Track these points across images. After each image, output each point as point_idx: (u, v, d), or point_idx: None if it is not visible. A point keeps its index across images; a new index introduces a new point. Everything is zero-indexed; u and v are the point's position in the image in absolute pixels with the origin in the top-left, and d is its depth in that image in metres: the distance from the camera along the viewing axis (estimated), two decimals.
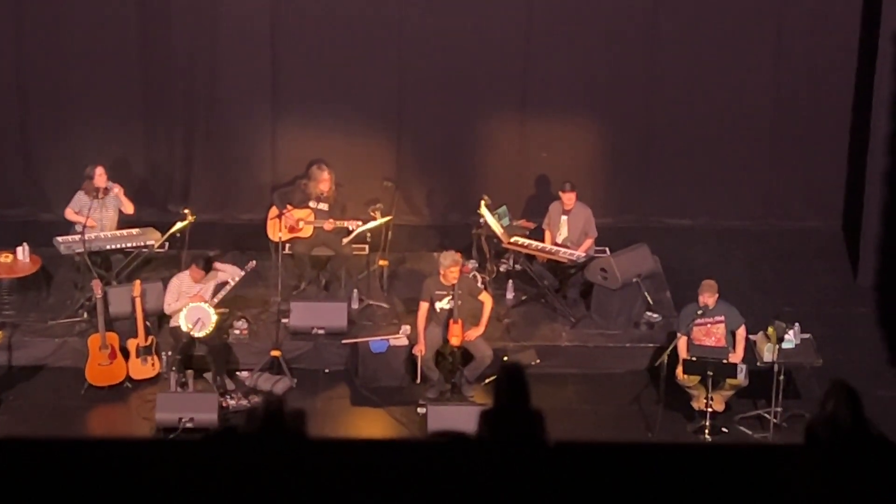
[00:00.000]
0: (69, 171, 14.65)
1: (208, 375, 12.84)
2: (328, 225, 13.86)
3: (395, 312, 13.71)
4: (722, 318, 12.37)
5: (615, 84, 15.28)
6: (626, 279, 13.39)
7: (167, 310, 12.98)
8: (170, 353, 12.84)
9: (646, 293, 13.51)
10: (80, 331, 13.16)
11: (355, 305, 13.68)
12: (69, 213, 13.74)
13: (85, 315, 13.28)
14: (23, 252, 13.70)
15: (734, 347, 12.38)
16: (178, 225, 13.59)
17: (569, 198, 13.90)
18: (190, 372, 12.75)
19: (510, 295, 13.98)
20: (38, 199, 15.42)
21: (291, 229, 13.91)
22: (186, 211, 13.70)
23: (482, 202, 14.02)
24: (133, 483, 5.00)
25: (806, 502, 5.14)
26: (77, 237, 13.43)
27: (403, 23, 15.08)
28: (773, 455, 5.36)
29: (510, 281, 14.05)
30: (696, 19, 15.12)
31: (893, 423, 6.40)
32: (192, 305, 12.71)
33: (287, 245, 13.86)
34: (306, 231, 13.99)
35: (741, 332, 12.39)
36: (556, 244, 13.90)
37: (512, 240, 13.94)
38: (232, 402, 12.51)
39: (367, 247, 14.33)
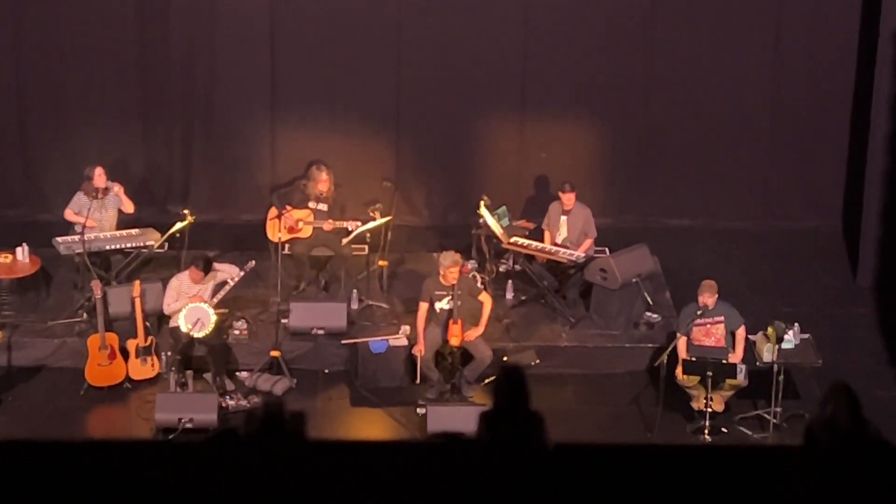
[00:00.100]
0: (68, 171, 14.65)
1: (208, 376, 12.84)
2: (327, 225, 13.87)
3: (395, 313, 13.71)
4: (721, 318, 12.37)
5: (614, 84, 15.29)
6: (625, 279, 13.39)
7: (166, 310, 12.98)
8: (169, 353, 12.84)
9: (645, 293, 13.51)
10: (80, 331, 13.16)
11: (355, 306, 13.67)
12: (68, 214, 13.74)
13: (84, 315, 13.28)
14: (22, 252, 13.70)
15: (734, 348, 12.38)
16: (178, 225, 13.59)
17: (568, 198, 13.90)
18: (189, 372, 12.75)
19: (510, 295, 13.98)
20: (38, 200, 15.42)
21: (291, 230, 13.91)
22: (186, 211, 13.70)
23: (482, 202, 14.02)
24: (133, 485, 5.00)
25: None
26: (76, 237, 13.42)
27: (403, 23, 15.08)
28: (773, 457, 5.37)
29: (510, 281, 14.06)
30: (695, 20, 15.12)
31: (893, 424, 6.40)
32: (192, 306, 12.71)
33: (286, 245, 13.86)
34: (306, 231, 13.99)
35: (741, 333, 12.39)
36: (556, 244, 13.90)
37: (511, 240, 13.94)
38: (231, 403, 12.50)
39: (366, 247, 14.34)
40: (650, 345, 13.24)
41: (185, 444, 9.48)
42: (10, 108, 15.26)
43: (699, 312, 12.33)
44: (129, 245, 13.65)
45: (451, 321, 12.56)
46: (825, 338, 12.87)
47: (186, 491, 5.02)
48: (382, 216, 13.96)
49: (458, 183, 15.53)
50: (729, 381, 12.23)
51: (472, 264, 14.09)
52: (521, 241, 13.96)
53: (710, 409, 12.10)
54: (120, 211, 13.83)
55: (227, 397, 12.56)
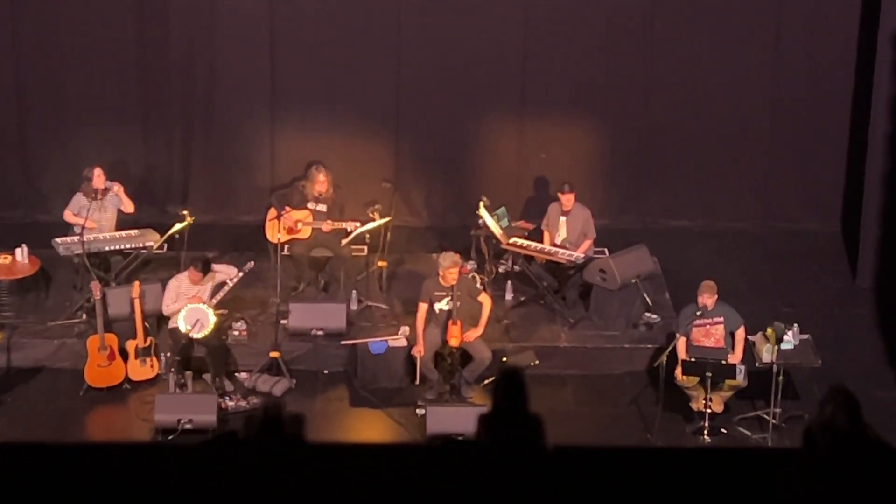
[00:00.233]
0: (68, 172, 14.65)
1: (207, 377, 12.83)
2: (326, 226, 13.86)
3: (394, 313, 13.71)
4: (721, 318, 12.37)
5: (614, 85, 15.28)
6: (624, 280, 13.39)
7: (166, 311, 12.97)
8: (169, 354, 12.84)
9: (645, 294, 13.50)
10: (79, 332, 13.15)
11: (354, 306, 13.67)
12: (67, 216, 13.73)
13: (84, 316, 13.27)
14: (22, 253, 13.69)
15: (733, 348, 12.38)
16: (177, 226, 13.59)
17: (567, 199, 13.90)
18: (189, 373, 12.74)
19: (509, 296, 13.98)
20: (37, 201, 15.42)
21: (290, 230, 13.90)
22: (185, 212, 13.69)
23: (481, 203, 14.02)
24: (132, 487, 5.00)
25: None
26: (76, 238, 13.42)
27: (402, 24, 15.07)
28: (772, 458, 5.37)
29: (509, 282, 14.05)
30: (695, 20, 15.12)
31: (892, 424, 6.41)
32: (191, 307, 12.71)
33: (286, 246, 13.85)
34: (305, 232, 13.98)
35: (740, 333, 12.39)
36: (555, 245, 13.90)
37: (511, 241, 13.94)
38: (231, 404, 12.50)
39: (365, 248, 14.34)
40: (649, 345, 13.24)
41: (184, 445, 9.48)
42: (9, 109, 15.25)
43: (699, 313, 12.33)
44: (128, 246, 13.65)
45: (450, 322, 12.55)
46: (824, 338, 12.87)
47: (186, 492, 5.02)
48: (382, 217, 13.95)
49: (457, 184, 15.52)
50: (728, 382, 12.23)
51: (471, 265, 14.08)
52: (520, 241, 13.96)
53: (709, 410, 12.10)
54: (119, 211, 13.83)
55: (227, 398, 12.56)
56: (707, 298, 12.31)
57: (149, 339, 12.84)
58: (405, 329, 13.13)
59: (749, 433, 12.25)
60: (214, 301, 12.84)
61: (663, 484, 5.11)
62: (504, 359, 12.90)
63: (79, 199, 13.70)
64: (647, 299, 13.50)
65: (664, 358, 12.12)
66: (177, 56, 15.16)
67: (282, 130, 15.37)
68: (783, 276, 14.78)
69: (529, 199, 15.39)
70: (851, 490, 5.11)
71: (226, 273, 13.05)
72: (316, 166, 14.12)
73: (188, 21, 15.05)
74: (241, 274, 13.01)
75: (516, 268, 14.17)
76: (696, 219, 15.70)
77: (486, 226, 14.02)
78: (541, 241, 13.99)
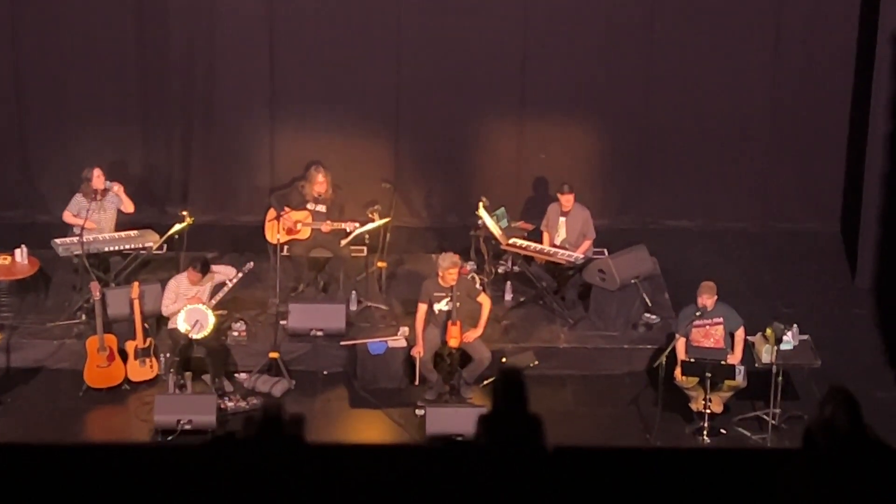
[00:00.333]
0: (67, 172, 14.65)
1: (207, 377, 12.83)
2: (326, 227, 13.86)
3: (394, 314, 13.71)
4: (720, 319, 12.37)
5: (613, 85, 15.29)
6: (624, 280, 13.39)
7: (165, 312, 12.97)
8: (168, 354, 12.84)
9: (644, 294, 13.50)
10: (79, 333, 13.15)
11: (354, 307, 13.67)
12: (67, 216, 13.72)
13: (83, 317, 13.27)
14: (21, 254, 13.69)
15: (733, 349, 12.38)
16: (177, 227, 13.59)
17: (567, 199, 13.90)
18: (188, 374, 12.74)
19: (508, 296, 13.98)
20: (36, 201, 15.42)
21: (289, 231, 13.90)
22: (185, 213, 13.69)
23: (480, 204, 14.02)
24: (132, 488, 5.00)
25: None
26: (75, 239, 13.42)
27: (402, 24, 15.07)
28: (772, 460, 5.37)
29: (508, 282, 14.05)
30: (695, 20, 15.12)
31: (892, 424, 6.41)
32: (191, 307, 12.71)
33: (285, 247, 13.84)
34: (304, 233, 13.98)
35: (740, 334, 12.39)
36: (555, 246, 13.90)
37: (510, 241, 13.94)
38: (230, 404, 12.50)
39: (365, 248, 14.34)
40: (649, 346, 13.24)
41: (183, 446, 9.48)
42: (8, 110, 15.25)
43: (698, 313, 12.33)
44: (127, 246, 13.65)
45: (449, 322, 12.55)
46: (824, 339, 12.87)
47: (185, 493, 5.01)
48: (381, 217, 13.96)
49: (456, 184, 15.53)
50: (728, 383, 12.23)
51: (470, 265, 14.08)
52: (519, 242, 13.96)
53: (708, 411, 12.10)
54: (119, 211, 13.82)
55: (226, 399, 12.55)
56: (706, 299, 12.31)
57: (148, 339, 12.84)
58: (405, 330, 13.13)
59: (749, 434, 12.25)
60: (214, 302, 12.84)
61: (663, 484, 5.11)
62: (503, 359, 12.89)
63: (78, 200, 13.70)
64: (647, 300, 13.50)
65: (664, 358, 12.12)
66: (177, 56, 15.16)
67: (281, 130, 15.37)
68: (783, 277, 14.79)
69: (529, 200, 15.39)
70: (851, 490, 5.11)
71: (225, 273, 13.06)
72: (315, 167, 14.11)
73: (188, 21, 15.05)
74: (240, 274, 13.01)
75: (516, 268, 14.17)
76: (696, 219, 15.70)
77: (485, 226, 14.02)
78: (540, 242, 13.98)
